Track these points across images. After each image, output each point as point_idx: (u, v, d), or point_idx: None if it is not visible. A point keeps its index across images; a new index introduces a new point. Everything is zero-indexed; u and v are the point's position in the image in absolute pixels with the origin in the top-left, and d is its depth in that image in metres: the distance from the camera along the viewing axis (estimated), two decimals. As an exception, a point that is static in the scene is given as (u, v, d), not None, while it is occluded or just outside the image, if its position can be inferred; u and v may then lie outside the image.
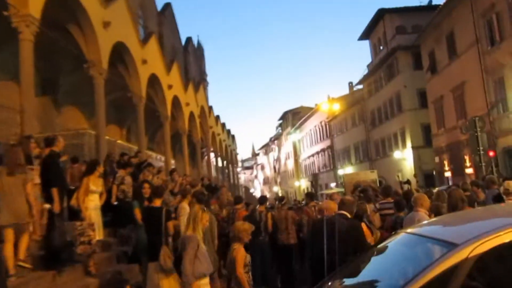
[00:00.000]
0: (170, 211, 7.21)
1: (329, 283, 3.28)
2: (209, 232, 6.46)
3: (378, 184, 18.05)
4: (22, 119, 9.73)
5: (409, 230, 3.36)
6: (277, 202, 11.24)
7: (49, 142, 7.37)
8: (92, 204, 7.48)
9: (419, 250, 2.90)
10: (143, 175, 9.98)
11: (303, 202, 17.77)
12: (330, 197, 9.08)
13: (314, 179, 54.30)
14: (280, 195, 65.69)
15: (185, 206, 7.71)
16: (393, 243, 3.32)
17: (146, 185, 7.86)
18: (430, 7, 31.61)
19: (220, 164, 38.88)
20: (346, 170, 43.38)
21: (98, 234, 7.48)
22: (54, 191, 6.72)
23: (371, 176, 20.62)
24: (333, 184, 45.95)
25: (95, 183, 7.60)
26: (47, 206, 6.67)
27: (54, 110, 18.66)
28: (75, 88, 18.90)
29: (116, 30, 14.62)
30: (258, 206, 10.01)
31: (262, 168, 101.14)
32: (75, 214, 7.55)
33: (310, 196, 10.73)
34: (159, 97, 20.48)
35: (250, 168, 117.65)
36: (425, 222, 4.26)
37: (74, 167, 9.79)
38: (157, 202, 6.71)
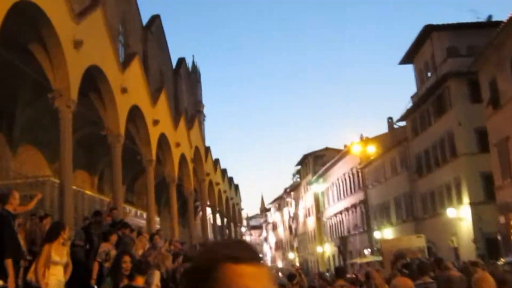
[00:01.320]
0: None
1: None
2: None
3: (426, 254, 17.81)
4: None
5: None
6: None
7: (1, 198, 7.41)
8: (53, 279, 7.42)
9: None
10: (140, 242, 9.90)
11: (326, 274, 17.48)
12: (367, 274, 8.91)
13: (342, 243, 53.60)
14: (298, 265, 64.83)
15: None
16: None
17: (127, 258, 7.80)
18: (489, 24, 32.04)
19: (219, 222, 38.69)
20: (384, 232, 42.86)
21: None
22: (8, 263, 6.70)
23: (417, 242, 20.26)
24: (367, 251, 45.34)
25: (58, 252, 7.56)
26: None
27: (9, 151, 18.88)
28: (35, 123, 19.21)
29: (89, 50, 15.00)
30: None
31: (274, 228, 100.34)
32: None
33: (339, 272, 10.35)
34: (142, 135, 20.69)
35: (259, 227, 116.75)
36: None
37: (38, 225, 9.90)
38: (140, 281, 6.64)
